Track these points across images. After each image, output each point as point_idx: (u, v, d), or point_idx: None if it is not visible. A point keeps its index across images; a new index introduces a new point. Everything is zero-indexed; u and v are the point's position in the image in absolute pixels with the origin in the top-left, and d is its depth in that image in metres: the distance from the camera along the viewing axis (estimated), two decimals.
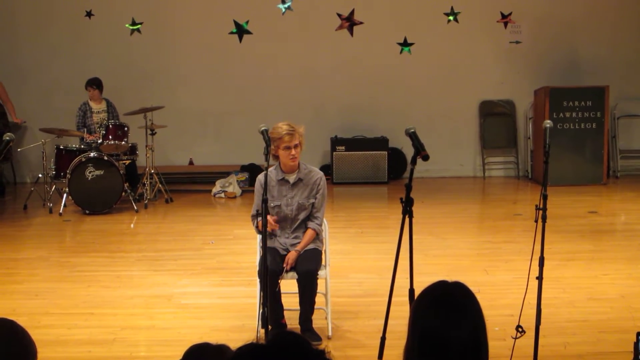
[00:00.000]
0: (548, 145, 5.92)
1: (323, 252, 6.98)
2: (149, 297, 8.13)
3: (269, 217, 6.40)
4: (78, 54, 15.25)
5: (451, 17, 13.70)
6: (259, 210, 6.65)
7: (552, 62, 15.55)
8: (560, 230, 10.52)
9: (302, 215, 6.88)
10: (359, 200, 13.70)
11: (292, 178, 6.90)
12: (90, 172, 12.23)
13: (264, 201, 6.00)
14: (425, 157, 5.55)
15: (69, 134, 12.90)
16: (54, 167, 12.66)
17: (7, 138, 5.53)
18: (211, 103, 15.52)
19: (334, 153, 15.08)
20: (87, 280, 8.73)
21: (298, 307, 6.81)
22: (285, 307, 6.88)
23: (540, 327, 5.71)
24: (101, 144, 12.46)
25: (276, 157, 6.85)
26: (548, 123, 6.18)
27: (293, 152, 6.75)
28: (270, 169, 6.19)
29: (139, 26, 13.62)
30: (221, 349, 3.25)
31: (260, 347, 2.38)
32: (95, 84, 13.24)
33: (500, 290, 8.05)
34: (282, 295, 6.84)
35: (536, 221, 5.70)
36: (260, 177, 6.67)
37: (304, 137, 6.87)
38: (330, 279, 7.00)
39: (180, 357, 3.32)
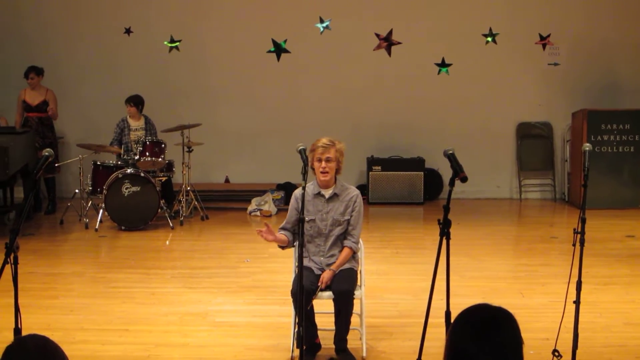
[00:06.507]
0: (587, 169, 5.88)
1: (358, 272, 6.96)
2: (183, 314, 8.15)
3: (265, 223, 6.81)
4: (116, 71, 15.35)
5: (489, 39, 13.68)
6: (288, 224, 6.75)
7: (590, 84, 15.45)
8: (597, 254, 10.41)
9: (336, 231, 6.86)
10: (394, 220, 13.65)
11: (327, 193, 6.90)
12: (126, 189, 12.29)
13: (301, 220, 5.98)
14: (464, 179, 5.52)
15: (106, 150, 12.97)
16: (90, 182, 12.74)
17: (46, 154, 5.55)
18: (248, 121, 15.54)
19: (370, 173, 15.05)
20: (122, 297, 8.77)
21: (333, 327, 6.79)
22: (319, 327, 6.86)
23: (577, 351, 5.66)
24: (138, 160, 12.52)
25: (314, 171, 6.88)
26: (587, 147, 6.14)
27: (323, 164, 6.76)
28: (307, 184, 6.20)
29: (177, 44, 13.70)
30: None
31: None
32: (132, 101, 13.23)
33: (536, 314, 7.99)
34: (317, 314, 6.83)
35: (574, 245, 5.66)
36: (297, 193, 6.71)
37: (344, 156, 6.88)
38: (365, 299, 6.98)
39: None
